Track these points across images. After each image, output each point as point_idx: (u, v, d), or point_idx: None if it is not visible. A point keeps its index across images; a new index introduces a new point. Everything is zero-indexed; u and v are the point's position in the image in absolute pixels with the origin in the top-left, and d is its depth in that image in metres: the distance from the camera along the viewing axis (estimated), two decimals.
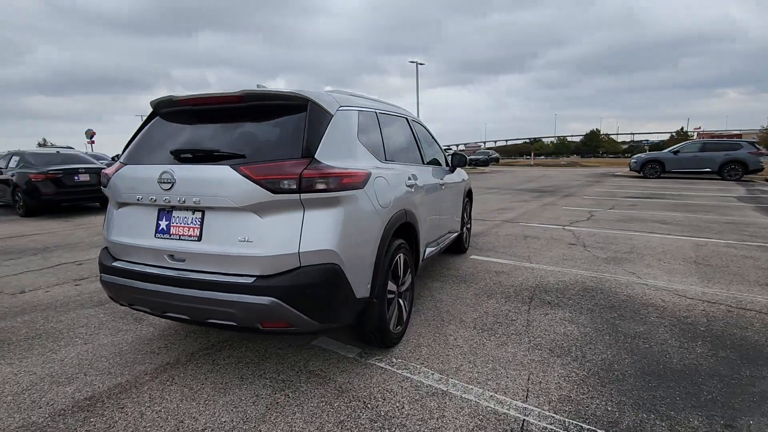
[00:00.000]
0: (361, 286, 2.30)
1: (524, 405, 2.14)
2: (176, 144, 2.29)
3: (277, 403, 2.18)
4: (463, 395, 2.24)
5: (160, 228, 2.24)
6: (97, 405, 2.18)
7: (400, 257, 2.77)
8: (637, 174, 18.48)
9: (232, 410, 2.13)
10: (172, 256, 2.19)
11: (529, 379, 2.39)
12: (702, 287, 3.85)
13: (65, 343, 2.89)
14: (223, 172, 2.05)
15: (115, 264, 2.36)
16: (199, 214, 2.16)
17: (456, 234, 4.71)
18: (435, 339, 2.90)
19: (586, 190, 13.33)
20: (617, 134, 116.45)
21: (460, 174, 4.86)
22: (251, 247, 2.04)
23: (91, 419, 2.07)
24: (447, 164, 4.43)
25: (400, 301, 2.85)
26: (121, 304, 2.45)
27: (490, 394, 2.25)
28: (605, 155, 77.31)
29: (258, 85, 2.50)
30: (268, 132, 2.22)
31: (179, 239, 2.19)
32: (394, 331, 2.72)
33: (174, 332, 3.04)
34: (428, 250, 3.60)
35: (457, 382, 2.37)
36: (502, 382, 2.36)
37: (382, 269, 2.46)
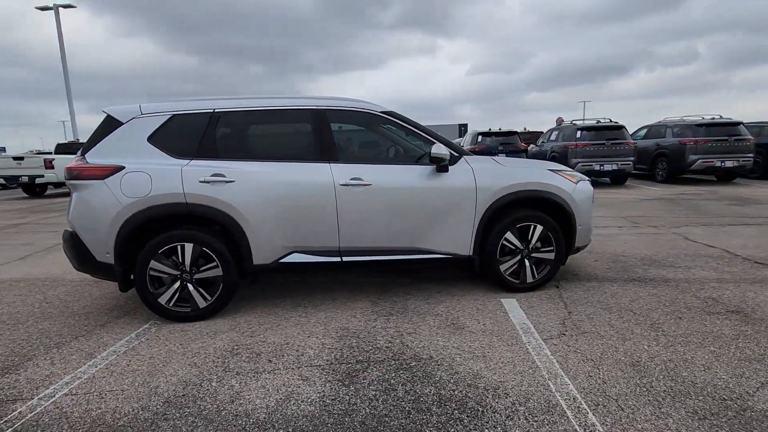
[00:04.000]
0: (99, 254, 2.98)
1: None
2: None
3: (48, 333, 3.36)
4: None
5: None
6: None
7: (184, 246, 3.01)
8: None
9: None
10: None
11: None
12: None
13: None
14: None
15: None
16: None
17: (449, 257, 3.39)
18: (162, 340, 2.92)
19: None
20: None
21: (473, 176, 3.32)
22: None
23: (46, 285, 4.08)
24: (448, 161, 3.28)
25: (189, 286, 3.08)
26: None
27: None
28: None
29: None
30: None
31: None
32: (170, 308, 3.07)
33: None
34: (298, 257, 3.21)
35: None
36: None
37: (127, 250, 2.99)
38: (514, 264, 3.52)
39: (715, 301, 3.28)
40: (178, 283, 3.09)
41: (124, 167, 3.00)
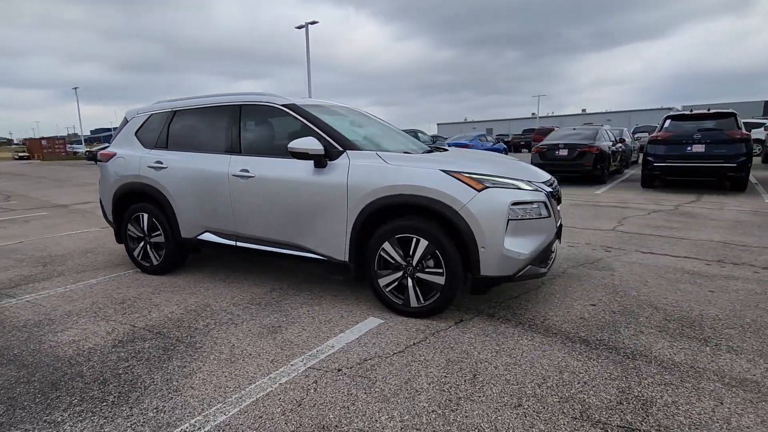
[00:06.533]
0: (108, 215, 4.20)
1: None
2: None
3: None
4: None
5: None
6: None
7: (141, 215, 3.92)
8: None
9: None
10: None
11: None
12: None
13: None
14: None
15: None
16: None
17: (325, 259, 3.15)
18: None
19: None
20: None
21: (347, 173, 2.98)
22: None
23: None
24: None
25: (147, 246, 3.97)
26: None
27: None
28: None
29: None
30: None
31: None
32: (139, 261, 4.07)
33: None
34: (209, 236, 3.64)
35: None
36: None
37: (117, 213, 4.08)
38: (395, 281, 2.96)
39: (641, 403, 1.94)
40: (142, 243, 4.06)
41: (116, 154, 4.13)
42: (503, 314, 2.98)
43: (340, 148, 3.10)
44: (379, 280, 3.01)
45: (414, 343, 2.60)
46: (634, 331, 2.68)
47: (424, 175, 2.79)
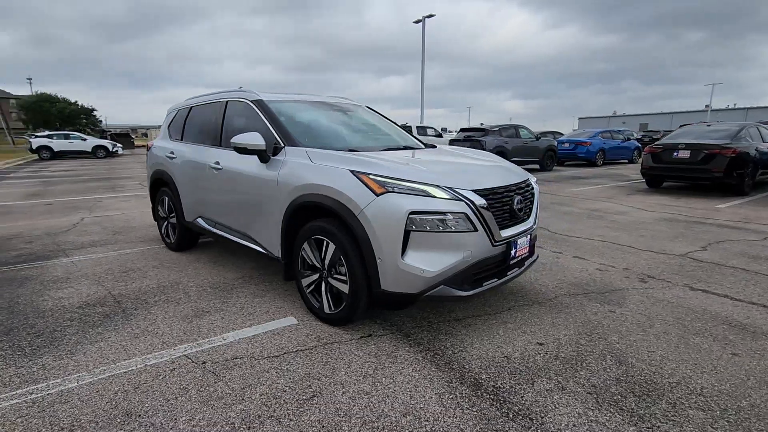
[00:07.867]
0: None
1: None
2: None
3: None
4: None
5: None
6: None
7: (164, 198, 4.49)
8: None
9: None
10: None
11: None
12: None
13: None
14: None
15: None
16: None
17: (264, 252, 3.21)
18: None
19: None
20: None
21: (278, 169, 2.97)
22: None
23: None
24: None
25: (169, 226, 4.53)
26: None
27: None
28: None
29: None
30: None
31: None
32: (164, 237, 4.67)
33: None
34: (200, 221, 3.98)
35: None
36: None
37: (152, 194, 4.73)
38: (313, 283, 2.85)
39: None
40: (165, 222, 4.66)
41: (153, 144, 4.79)
42: (420, 337, 2.64)
43: (283, 145, 3.09)
44: (302, 280, 2.94)
45: (297, 350, 2.49)
46: (553, 386, 2.11)
47: (331, 175, 2.61)
